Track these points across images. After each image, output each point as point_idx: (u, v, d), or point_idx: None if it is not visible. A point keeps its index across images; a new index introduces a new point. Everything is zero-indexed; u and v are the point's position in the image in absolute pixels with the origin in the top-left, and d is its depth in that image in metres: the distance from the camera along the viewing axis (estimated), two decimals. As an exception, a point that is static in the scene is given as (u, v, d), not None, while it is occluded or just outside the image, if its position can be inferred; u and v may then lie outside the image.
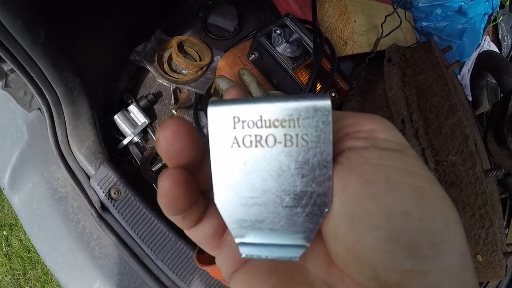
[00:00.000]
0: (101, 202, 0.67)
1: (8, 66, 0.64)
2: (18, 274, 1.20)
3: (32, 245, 1.22)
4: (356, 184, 0.14)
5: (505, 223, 1.06)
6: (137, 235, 0.66)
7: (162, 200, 0.17)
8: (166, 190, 0.17)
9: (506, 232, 1.06)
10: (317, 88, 0.66)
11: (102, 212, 0.67)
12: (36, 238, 0.74)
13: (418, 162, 0.15)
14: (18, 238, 1.21)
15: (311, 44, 0.70)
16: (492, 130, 0.83)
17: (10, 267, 1.20)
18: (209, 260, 0.61)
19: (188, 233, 0.20)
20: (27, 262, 1.20)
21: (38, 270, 1.18)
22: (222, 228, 0.20)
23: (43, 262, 1.22)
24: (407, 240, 0.13)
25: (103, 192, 0.66)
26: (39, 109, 0.71)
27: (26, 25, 0.50)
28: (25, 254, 1.21)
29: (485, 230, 0.57)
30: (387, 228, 0.13)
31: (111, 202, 0.66)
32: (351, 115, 0.17)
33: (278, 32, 0.69)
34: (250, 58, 0.71)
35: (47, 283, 1.17)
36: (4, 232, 1.22)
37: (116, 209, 0.66)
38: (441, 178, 0.66)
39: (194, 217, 0.19)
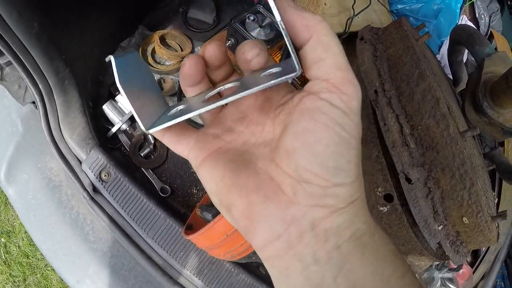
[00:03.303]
0: (93, 185, 0.70)
1: (4, 59, 0.69)
2: (18, 280, 1.21)
3: (31, 251, 1.24)
4: (306, 119, 0.21)
5: (494, 193, 1.08)
6: (128, 214, 0.69)
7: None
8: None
9: (496, 202, 1.07)
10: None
11: (94, 194, 0.70)
12: (32, 228, 0.76)
13: (353, 125, 0.21)
14: (17, 244, 1.23)
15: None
16: (470, 99, 0.85)
17: (9, 274, 1.21)
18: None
19: (164, 140, 0.27)
20: (26, 268, 1.21)
21: (38, 275, 1.20)
22: (189, 131, 0.26)
23: (42, 267, 1.24)
24: (321, 159, 0.20)
25: (94, 175, 0.70)
26: (33, 102, 0.75)
27: (21, 16, 0.55)
28: (24, 260, 1.22)
29: (467, 190, 0.57)
30: (312, 150, 0.21)
31: (102, 184, 0.70)
32: (342, 69, 0.22)
33: (251, 18, 0.74)
34: (227, 44, 0.76)
35: (47, 287, 1.18)
36: (2, 239, 1.24)
37: (107, 190, 0.69)
38: (417, 142, 0.67)
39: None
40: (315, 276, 0.21)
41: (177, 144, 0.26)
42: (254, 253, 0.58)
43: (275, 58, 0.73)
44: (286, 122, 0.23)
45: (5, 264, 1.22)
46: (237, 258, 0.58)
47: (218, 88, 0.26)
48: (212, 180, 0.23)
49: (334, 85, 0.21)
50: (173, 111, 0.26)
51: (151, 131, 0.25)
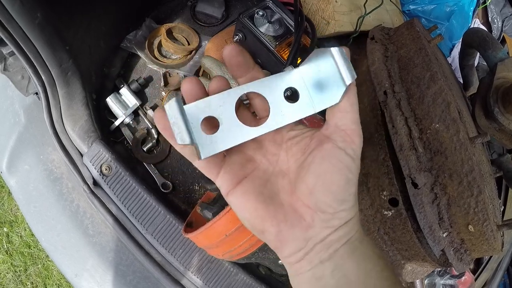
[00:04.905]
0: (93, 179, 0.69)
1: (7, 49, 0.68)
2: (19, 270, 1.21)
3: (33, 241, 1.24)
4: (326, 164, 0.28)
5: (500, 201, 1.06)
6: (128, 209, 0.68)
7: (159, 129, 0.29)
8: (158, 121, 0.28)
9: (502, 209, 1.05)
10: (298, 62, 0.69)
11: (94, 188, 0.69)
12: (32, 219, 0.76)
13: (357, 167, 0.29)
14: (19, 234, 1.24)
15: (292, 23, 0.73)
16: (480, 104, 0.83)
17: (11, 263, 1.22)
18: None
19: (196, 163, 0.29)
20: (28, 258, 1.21)
21: (39, 266, 1.20)
22: (220, 158, 0.30)
23: (43, 257, 1.24)
24: (334, 195, 0.28)
25: (95, 168, 0.69)
26: (36, 93, 0.75)
27: (23, 6, 0.54)
28: (25, 250, 1.23)
29: (474, 198, 0.56)
30: (329, 188, 0.28)
31: (102, 178, 0.69)
32: (356, 123, 0.29)
33: (260, 13, 0.73)
34: (235, 39, 0.75)
35: (48, 278, 1.19)
36: (5, 229, 1.25)
37: (107, 184, 0.69)
38: (425, 146, 0.65)
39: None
40: (318, 271, 0.28)
41: (207, 170, 0.29)
42: (253, 254, 0.57)
43: (284, 54, 0.72)
44: (303, 160, 0.29)
45: (7, 254, 1.23)
46: (236, 258, 0.57)
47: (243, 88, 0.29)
48: (245, 210, 0.29)
49: (349, 135, 0.28)
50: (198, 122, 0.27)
51: (207, 157, 0.27)
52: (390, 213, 0.67)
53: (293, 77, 0.29)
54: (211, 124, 0.28)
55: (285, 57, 0.71)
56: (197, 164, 0.29)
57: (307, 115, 0.29)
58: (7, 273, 1.21)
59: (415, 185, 0.59)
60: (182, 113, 0.26)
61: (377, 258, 0.30)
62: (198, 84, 0.28)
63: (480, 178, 0.55)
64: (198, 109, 0.27)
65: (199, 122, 0.27)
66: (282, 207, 0.29)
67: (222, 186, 0.29)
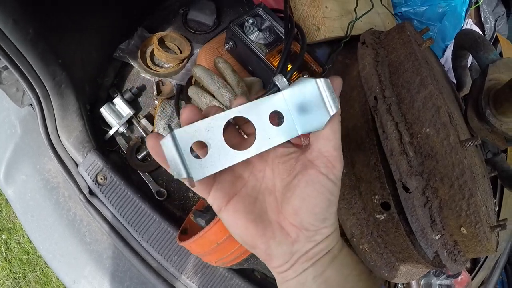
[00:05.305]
0: (89, 188, 0.70)
1: (1, 63, 0.69)
2: (18, 277, 1.22)
3: (31, 247, 1.25)
4: (310, 189, 0.30)
5: (495, 200, 1.06)
6: (123, 217, 0.69)
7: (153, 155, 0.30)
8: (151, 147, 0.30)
9: (496, 209, 1.06)
10: (288, 69, 0.70)
11: (90, 197, 0.70)
12: (30, 228, 0.77)
13: (338, 189, 0.31)
14: (17, 241, 1.25)
15: (282, 30, 0.74)
16: (472, 106, 0.83)
17: (10, 270, 1.23)
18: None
19: (187, 183, 0.31)
20: (26, 265, 1.22)
21: (38, 272, 1.21)
22: (211, 177, 0.31)
23: (42, 263, 1.25)
24: (317, 216, 0.31)
25: (90, 177, 0.70)
26: (31, 104, 0.76)
27: (16, 23, 0.55)
28: (24, 256, 1.24)
29: (465, 201, 0.56)
30: (312, 210, 0.30)
31: (98, 187, 0.70)
32: (337, 150, 0.31)
33: (250, 21, 0.73)
34: (226, 47, 0.75)
35: (47, 284, 1.20)
36: (3, 236, 1.26)
37: (103, 193, 0.70)
38: (416, 150, 0.65)
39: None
40: (302, 278, 0.32)
41: (198, 189, 0.31)
42: (245, 260, 0.58)
43: (274, 62, 0.72)
44: (289, 181, 0.31)
45: (6, 261, 1.24)
46: (229, 265, 0.58)
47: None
48: (237, 227, 0.31)
49: (330, 162, 0.31)
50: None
51: (200, 180, 0.29)
52: (383, 217, 0.68)
53: (277, 100, 0.31)
54: (201, 144, 0.30)
55: (276, 64, 0.72)
56: (188, 183, 0.31)
57: (291, 138, 0.31)
58: (6, 280, 1.22)
59: (406, 189, 0.60)
60: (178, 149, 0.27)
61: (355, 263, 0.34)
62: (195, 110, 0.30)
63: (472, 181, 0.56)
64: (187, 134, 0.28)
65: (189, 147, 0.28)
66: (270, 225, 0.31)
67: (213, 204, 0.32)
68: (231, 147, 0.29)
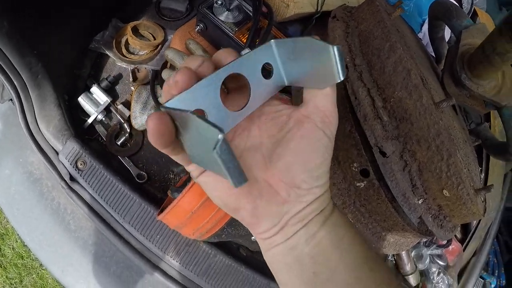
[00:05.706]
0: (70, 174, 0.71)
1: (-23, 58, 0.71)
2: (15, 282, 1.23)
3: (25, 251, 1.26)
4: (305, 143, 0.29)
5: (481, 168, 1.06)
6: (105, 201, 0.70)
7: (152, 138, 0.25)
8: (154, 128, 0.25)
9: (482, 177, 1.06)
10: (256, 43, 0.71)
11: (71, 183, 0.71)
12: (17, 221, 0.78)
13: (332, 146, 0.30)
14: (11, 246, 1.25)
15: (251, 8, 0.76)
16: (448, 72, 0.83)
17: (6, 276, 1.23)
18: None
19: (173, 157, 0.29)
20: (22, 269, 1.23)
21: (34, 276, 1.21)
22: None
23: (37, 266, 1.26)
24: (310, 172, 0.28)
25: (70, 164, 0.71)
26: (11, 99, 0.77)
27: None
28: (19, 261, 1.24)
29: (445, 162, 0.55)
30: (306, 165, 0.28)
31: (78, 173, 0.71)
32: (334, 105, 0.30)
33: (219, 2, 0.75)
34: (196, 29, 0.77)
35: (44, 287, 1.20)
36: (-3, 243, 1.26)
37: (83, 178, 0.71)
38: (390, 114, 0.63)
39: (179, 148, 0.27)
40: (292, 241, 0.29)
41: (179, 158, 0.29)
42: (222, 230, 0.59)
43: (243, 39, 0.74)
44: (280, 137, 0.30)
45: (1, 267, 1.24)
46: (206, 236, 0.59)
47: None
48: (217, 189, 0.29)
49: (327, 116, 0.29)
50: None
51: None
52: (363, 184, 0.67)
53: (266, 52, 0.29)
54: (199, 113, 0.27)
55: (245, 40, 0.73)
56: (165, 151, 0.28)
57: (280, 88, 0.31)
58: (3, 286, 1.22)
59: (383, 154, 0.59)
60: (233, 154, 0.22)
61: (348, 226, 0.32)
62: (190, 73, 0.27)
63: (450, 142, 0.55)
64: (183, 103, 0.26)
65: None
66: (256, 183, 0.28)
67: (194, 171, 0.29)
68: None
